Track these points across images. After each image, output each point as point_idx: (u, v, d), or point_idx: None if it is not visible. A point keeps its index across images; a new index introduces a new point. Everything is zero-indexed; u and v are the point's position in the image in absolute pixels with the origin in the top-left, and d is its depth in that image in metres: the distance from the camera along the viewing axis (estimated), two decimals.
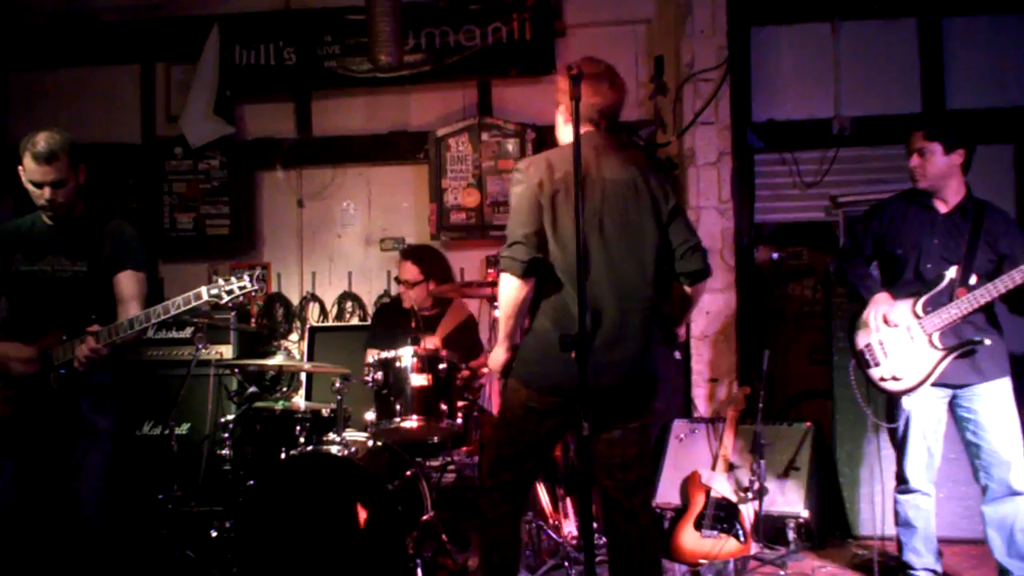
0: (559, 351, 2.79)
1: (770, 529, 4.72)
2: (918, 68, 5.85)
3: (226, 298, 3.45)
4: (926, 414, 3.89)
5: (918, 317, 3.82)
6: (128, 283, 3.66)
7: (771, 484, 4.81)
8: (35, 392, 3.54)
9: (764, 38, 5.99)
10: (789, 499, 4.81)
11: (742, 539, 4.43)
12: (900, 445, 3.96)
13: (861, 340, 3.97)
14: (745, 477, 4.76)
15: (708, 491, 4.59)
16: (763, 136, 5.89)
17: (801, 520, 4.73)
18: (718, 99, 5.72)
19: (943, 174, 3.87)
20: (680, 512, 4.68)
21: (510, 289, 3.12)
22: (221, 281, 3.46)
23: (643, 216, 3.14)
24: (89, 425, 3.59)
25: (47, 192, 3.54)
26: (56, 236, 3.66)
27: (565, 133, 3.28)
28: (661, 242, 3.18)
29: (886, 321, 3.85)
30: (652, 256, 3.15)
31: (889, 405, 4.00)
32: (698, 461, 4.97)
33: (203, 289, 3.43)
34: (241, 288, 3.45)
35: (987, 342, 3.73)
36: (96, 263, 3.64)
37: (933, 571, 4.00)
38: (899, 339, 3.86)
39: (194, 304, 3.42)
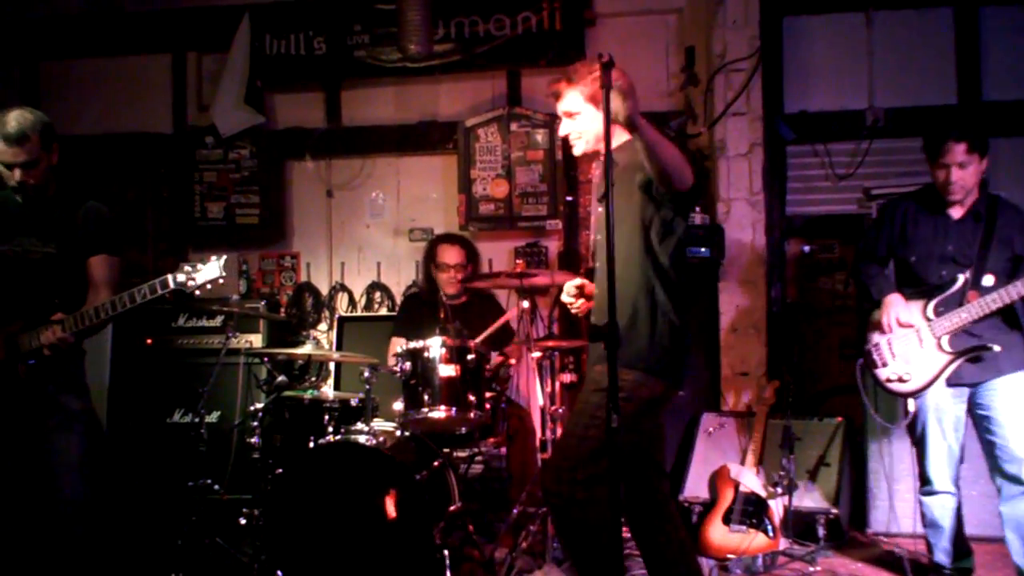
0: None
1: (799, 525, 4.67)
2: (954, 59, 5.76)
3: (192, 285, 3.41)
4: (944, 414, 3.84)
5: (928, 320, 3.78)
6: (101, 267, 3.58)
7: (801, 479, 4.78)
8: (2, 379, 3.45)
9: (797, 28, 5.91)
10: (819, 495, 4.77)
11: (771, 534, 4.40)
12: (919, 446, 3.92)
13: (871, 340, 3.95)
14: (775, 472, 4.72)
15: (737, 486, 4.56)
16: (795, 127, 5.82)
17: (831, 516, 4.68)
18: (750, 90, 5.66)
19: (977, 183, 3.82)
20: (708, 506, 4.66)
21: None
22: (188, 268, 3.42)
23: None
24: (60, 407, 3.50)
25: (18, 174, 3.45)
26: (28, 216, 3.56)
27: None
28: None
29: (898, 323, 3.82)
30: None
31: (898, 405, 3.97)
32: (727, 455, 4.96)
33: (169, 277, 3.39)
34: (210, 275, 3.41)
35: (996, 348, 3.68)
36: (67, 245, 3.54)
37: (965, 570, 3.95)
38: (908, 341, 3.83)
39: (160, 292, 3.38)
